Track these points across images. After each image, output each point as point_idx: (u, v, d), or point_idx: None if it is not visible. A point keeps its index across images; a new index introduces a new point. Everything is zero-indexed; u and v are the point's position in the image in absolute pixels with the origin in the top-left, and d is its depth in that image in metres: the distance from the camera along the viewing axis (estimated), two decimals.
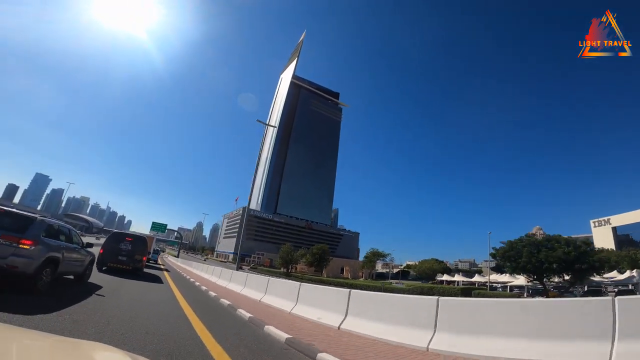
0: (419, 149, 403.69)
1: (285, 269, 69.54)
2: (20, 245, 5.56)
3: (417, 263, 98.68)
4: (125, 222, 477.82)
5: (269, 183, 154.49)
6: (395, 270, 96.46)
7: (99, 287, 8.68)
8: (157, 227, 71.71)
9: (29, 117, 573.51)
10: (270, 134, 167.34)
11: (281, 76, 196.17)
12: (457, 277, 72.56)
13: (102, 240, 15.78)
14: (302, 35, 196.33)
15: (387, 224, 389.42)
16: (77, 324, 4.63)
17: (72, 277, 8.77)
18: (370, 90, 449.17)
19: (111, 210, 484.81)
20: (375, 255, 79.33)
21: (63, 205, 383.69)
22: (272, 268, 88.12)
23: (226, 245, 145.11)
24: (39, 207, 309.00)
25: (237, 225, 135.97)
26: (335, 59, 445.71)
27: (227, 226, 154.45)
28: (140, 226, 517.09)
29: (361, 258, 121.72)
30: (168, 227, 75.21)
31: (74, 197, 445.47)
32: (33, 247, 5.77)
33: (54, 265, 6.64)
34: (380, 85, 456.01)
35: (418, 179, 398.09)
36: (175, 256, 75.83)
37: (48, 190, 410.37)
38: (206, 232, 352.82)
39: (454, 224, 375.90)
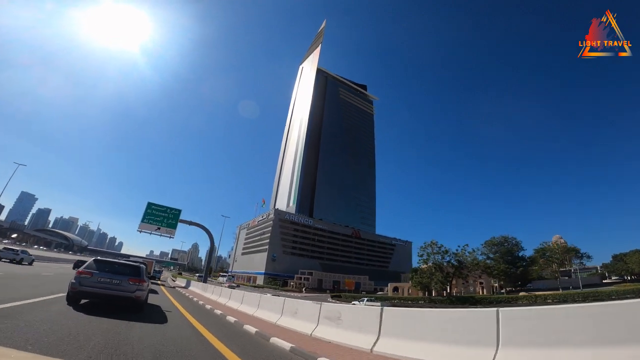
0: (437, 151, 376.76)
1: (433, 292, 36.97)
2: (141, 283, 9.02)
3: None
4: (117, 243, 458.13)
5: (300, 182, 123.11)
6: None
7: (158, 306, 11.79)
8: (154, 215, 36.54)
9: (22, 137, 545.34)
10: (297, 126, 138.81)
11: (301, 66, 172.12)
12: None
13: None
14: (323, 24, 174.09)
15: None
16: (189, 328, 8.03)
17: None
18: (394, 84, 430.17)
19: (101, 231, 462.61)
20: (568, 251, 45.87)
21: (50, 225, 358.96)
22: (359, 293, 54.95)
23: (247, 264, 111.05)
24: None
25: (266, 235, 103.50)
26: (355, 52, 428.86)
27: (247, 238, 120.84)
28: (132, 248, 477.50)
29: None
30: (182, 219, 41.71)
31: (61, 217, 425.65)
32: (145, 284, 9.50)
33: (148, 293, 11.00)
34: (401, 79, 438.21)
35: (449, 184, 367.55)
36: (199, 280, 44.13)
37: (34, 210, 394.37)
38: (202, 254, 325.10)
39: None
